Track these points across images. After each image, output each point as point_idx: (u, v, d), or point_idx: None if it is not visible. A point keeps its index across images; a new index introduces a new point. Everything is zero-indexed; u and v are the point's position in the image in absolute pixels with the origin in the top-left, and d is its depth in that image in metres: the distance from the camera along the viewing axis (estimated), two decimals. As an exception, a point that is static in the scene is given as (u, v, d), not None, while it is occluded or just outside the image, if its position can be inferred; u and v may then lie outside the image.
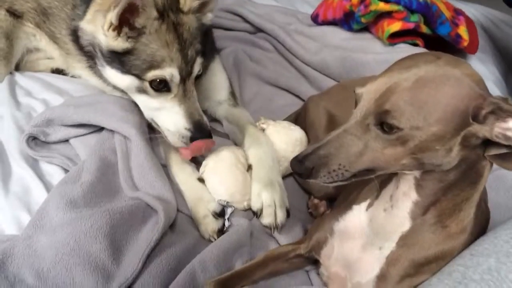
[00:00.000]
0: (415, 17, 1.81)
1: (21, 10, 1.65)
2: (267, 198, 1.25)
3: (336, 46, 1.90)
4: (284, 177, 1.39)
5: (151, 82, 1.25)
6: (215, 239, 1.19)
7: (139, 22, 1.21)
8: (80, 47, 1.44)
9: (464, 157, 0.81)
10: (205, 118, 1.31)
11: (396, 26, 1.79)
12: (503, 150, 0.79)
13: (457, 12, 1.97)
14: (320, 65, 1.87)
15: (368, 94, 0.84)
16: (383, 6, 1.79)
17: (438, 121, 0.77)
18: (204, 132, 1.29)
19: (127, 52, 1.24)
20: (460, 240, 0.91)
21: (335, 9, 1.97)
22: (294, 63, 1.95)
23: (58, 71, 1.75)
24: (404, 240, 0.92)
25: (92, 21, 1.30)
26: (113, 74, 1.30)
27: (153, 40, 1.22)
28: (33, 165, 1.34)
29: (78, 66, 1.62)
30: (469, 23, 1.96)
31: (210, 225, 1.23)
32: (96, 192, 1.19)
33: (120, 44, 1.23)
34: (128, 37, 1.22)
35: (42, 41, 1.69)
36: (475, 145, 0.81)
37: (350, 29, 1.96)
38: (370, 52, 1.82)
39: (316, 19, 2.09)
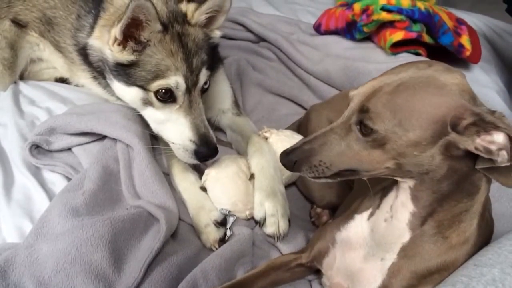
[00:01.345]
0: (418, 27, 1.82)
1: (26, 20, 1.66)
2: (270, 208, 1.25)
3: (339, 56, 1.90)
4: (287, 186, 1.39)
5: (156, 93, 1.25)
6: (217, 248, 1.19)
7: (143, 35, 1.22)
8: (89, 63, 1.46)
9: (452, 167, 0.81)
10: (211, 132, 1.31)
11: (398, 35, 1.79)
12: (490, 164, 0.77)
13: (460, 22, 1.97)
14: (322, 74, 1.87)
15: (357, 96, 0.86)
16: (385, 16, 1.79)
17: (413, 127, 0.77)
18: (210, 146, 1.28)
19: (132, 64, 1.25)
20: (462, 251, 0.90)
21: (337, 19, 1.98)
22: (296, 72, 1.96)
23: (61, 80, 1.76)
24: (405, 251, 0.92)
25: (99, 37, 1.32)
26: (119, 88, 1.31)
27: (157, 51, 1.23)
28: (36, 173, 1.34)
29: (82, 75, 1.63)
30: (472, 32, 1.96)
31: (211, 234, 1.22)
32: (98, 201, 1.20)
33: (125, 57, 1.24)
34: (134, 50, 1.24)
35: (46, 51, 1.71)
36: (461, 156, 0.79)
37: (352, 38, 1.97)
38: (373, 62, 1.82)
39: (318, 29, 2.10)
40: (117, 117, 1.38)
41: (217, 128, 1.60)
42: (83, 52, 1.47)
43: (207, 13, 1.31)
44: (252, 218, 1.29)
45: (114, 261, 1.06)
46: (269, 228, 1.24)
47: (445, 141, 0.78)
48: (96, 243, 1.06)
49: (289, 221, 1.26)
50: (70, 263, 1.03)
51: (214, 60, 1.41)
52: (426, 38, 1.83)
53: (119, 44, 1.24)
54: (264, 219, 1.24)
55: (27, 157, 1.34)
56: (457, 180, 0.83)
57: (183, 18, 1.30)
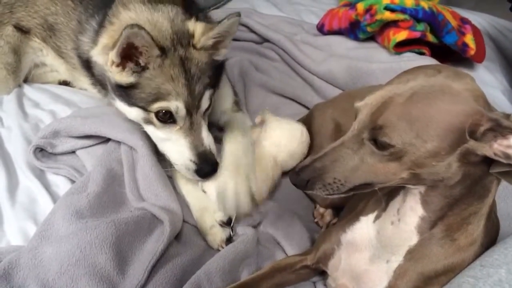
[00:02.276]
0: (421, 26, 1.81)
1: (28, 26, 1.67)
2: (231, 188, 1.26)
3: (342, 56, 1.90)
4: (289, 185, 1.37)
5: (157, 114, 1.24)
6: (223, 248, 1.19)
7: (141, 59, 1.20)
8: (92, 74, 1.46)
9: (467, 172, 0.79)
10: (210, 148, 1.29)
11: (402, 35, 1.79)
12: (506, 168, 0.76)
13: (464, 21, 1.96)
14: (326, 74, 1.86)
15: (365, 107, 0.83)
16: (389, 15, 1.79)
17: (431, 137, 0.75)
18: (210, 164, 1.27)
19: (132, 86, 1.23)
20: (470, 252, 0.89)
21: (340, 19, 1.98)
22: (300, 72, 1.95)
23: (65, 83, 1.77)
24: (412, 254, 0.91)
25: (100, 54, 1.29)
26: (121, 106, 1.30)
27: (157, 75, 1.21)
28: (40, 176, 1.35)
29: (85, 81, 1.64)
30: (476, 32, 1.95)
31: (218, 235, 1.22)
32: (102, 203, 1.20)
33: (124, 78, 1.23)
34: (133, 72, 1.22)
35: (48, 56, 1.72)
36: (477, 162, 0.78)
37: (356, 38, 1.96)
38: (376, 61, 1.81)
39: (321, 29, 2.09)
40: (120, 120, 1.38)
41: (220, 128, 1.59)
42: (86, 64, 1.46)
43: (214, 38, 1.28)
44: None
45: (118, 263, 1.06)
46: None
47: (463, 148, 0.76)
48: (100, 245, 1.06)
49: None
50: (74, 265, 1.03)
51: (219, 77, 1.39)
52: (430, 38, 1.82)
53: (117, 66, 1.22)
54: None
55: (31, 160, 1.34)
56: (469, 184, 0.81)
57: (188, 40, 1.25)
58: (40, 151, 1.36)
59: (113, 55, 1.19)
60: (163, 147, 1.31)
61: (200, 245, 1.21)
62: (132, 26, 1.11)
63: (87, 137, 1.37)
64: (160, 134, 1.28)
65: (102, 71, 1.34)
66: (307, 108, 1.81)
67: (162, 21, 1.26)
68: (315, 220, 1.38)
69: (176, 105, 1.22)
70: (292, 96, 1.86)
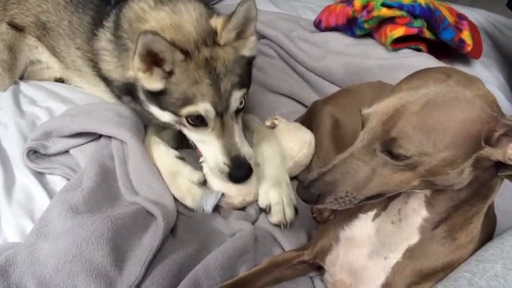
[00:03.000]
0: (418, 22, 1.81)
1: (22, 24, 1.67)
2: (274, 196, 1.25)
3: (339, 52, 1.90)
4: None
5: (187, 118, 1.22)
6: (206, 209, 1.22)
7: (166, 65, 1.19)
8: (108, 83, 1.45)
9: (476, 177, 0.79)
10: (244, 153, 1.25)
11: (399, 31, 1.79)
12: None
13: (460, 17, 1.96)
14: (323, 71, 1.86)
15: (375, 116, 0.80)
16: (386, 12, 1.79)
17: (448, 146, 0.74)
18: (243, 168, 1.23)
19: (161, 92, 1.22)
20: (468, 249, 0.90)
21: (337, 15, 1.97)
22: (297, 69, 1.95)
23: (61, 80, 1.77)
24: (411, 252, 0.91)
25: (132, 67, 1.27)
26: (155, 111, 1.29)
27: (182, 80, 1.19)
28: (36, 173, 1.34)
29: (78, 80, 1.64)
30: (473, 28, 1.96)
31: (197, 194, 1.23)
32: (97, 198, 1.20)
33: (153, 85, 1.21)
34: (161, 78, 1.20)
35: (44, 54, 1.72)
36: (489, 166, 0.78)
37: (353, 35, 1.96)
38: (373, 58, 1.81)
39: (319, 26, 2.09)
40: (109, 115, 1.37)
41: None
42: (120, 87, 1.43)
43: (235, 29, 1.23)
44: (246, 206, 1.30)
45: (115, 259, 1.06)
46: (275, 217, 1.24)
47: (478, 155, 0.75)
48: (96, 241, 1.06)
49: (296, 210, 1.26)
50: (71, 262, 1.03)
51: (250, 76, 1.35)
52: (427, 34, 1.82)
53: (144, 72, 1.20)
54: (270, 208, 1.24)
55: (26, 163, 1.34)
56: (476, 187, 0.81)
57: (213, 39, 1.22)
58: (34, 153, 1.35)
59: (136, 62, 1.18)
60: (200, 148, 1.29)
61: (196, 240, 1.21)
62: (145, 33, 1.09)
63: (79, 136, 1.36)
64: (194, 136, 1.27)
65: (125, 83, 1.33)
66: (304, 105, 1.81)
67: (184, 22, 1.24)
68: (313, 215, 1.38)
69: (204, 107, 1.19)
70: (289, 93, 1.85)
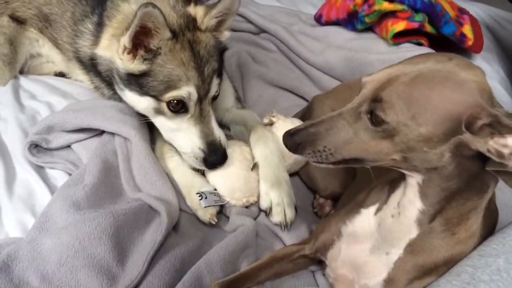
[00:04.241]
0: (420, 17, 1.80)
1: (24, 17, 1.66)
2: (275, 197, 1.25)
3: (340, 47, 1.89)
4: (289, 175, 1.38)
5: (169, 103, 1.24)
6: (216, 222, 1.23)
7: (153, 43, 1.20)
8: (98, 73, 1.45)
9: (462, 166, 0.78)
10: (221, 137, 1.29)
11: (400, 25, 1.78)
12: (500, 167, 0.74)
13: (462, 11, 1.96)
14: (324, 65, 1.86)
15: (370, 83, 0.83)
16: (387, 6, 1.78)
17: (426, 122, 0.74)
18: (218, 153, 1.27)
19: (144, 74, 1.22)
20: (469, 244, 0.90)
21: (338, 9, 1.96)
22: (298, 63, 1.94)
23: (61, 75, 1.76)
24: (412, 247, 0.91)
25: (108, 47, 1.30)
26: (131, 97, 1.29)
27: (168, 60, 1.21)
28: (37, 167, 1.34)
29: (80, 73, 1.63)
30: (474, 22, 1.95)
31: (208, 209, 1.24)
32: (100, 194, 1.19)
33: (136, 66, 1.22)
34: (144, 59, 1.21)
35: (44, 46, 1.71)
36: (471, 156, 0.77)
37: (354, 29, 1.95)
38: (374, 52, 1.81)
39: (319, 20, 2.08)
40: (113, 112, 1.37)
41: (222, 125, 1.58)
42: (87, 62, 1.45)
43: (217, 17, 1.29)
44: (249, 206, 1.31)
45: (117, 254, 1.06)
46: (276, 217, 1.25)
47: (457, 139, 0.75)
48: (99, 236, 1.06)
49: (295, 209, 1.27)
50: (73, 257, 1.03)
51: (222, 67, 1.39)
52: (428, 28, 1.81)
53: (128, 53, 1.21)
54: (270, 208, 1.25)
55: (27, 156, 1.34)
56: (467, 178, 0.81)
57: (193, 24, 1.27)
58: (36, 147, 1.35)
59: (125, 40, 1.19)
60: (172, 137, 1.31)
61: (198, 236, 1.21)
62: (146, 4, 1.11)
63: (81, 131, 1.36)
64: (170, 124, 1.28)
65: (108, 66, 1.33)
66: (305, 99, 1.81)
67: (164, 8, 1.25)
68: (315, 210, 1.39)
69: (188, 91, 1.22)
70: (290, 87, 1.85)
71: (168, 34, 1.19)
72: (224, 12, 1.30)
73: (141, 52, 1.21)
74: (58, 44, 1.66)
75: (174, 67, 1.21)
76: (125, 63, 1.23)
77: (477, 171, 0.79)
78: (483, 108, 0.73)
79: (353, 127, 0.82)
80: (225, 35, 1.36)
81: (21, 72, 1.75)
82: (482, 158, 0.77)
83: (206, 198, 1.25)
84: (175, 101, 1.23)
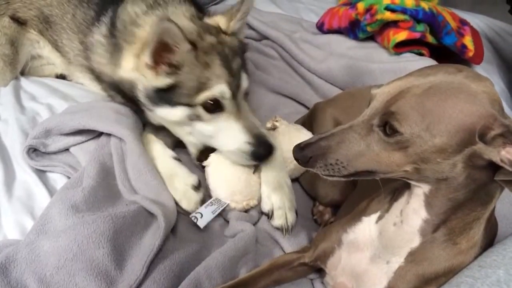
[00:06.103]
0: (421, 27, 1.81)
1: (24, 18, 1.66)
2: (277, 201, 1.25)
3: (342, 55, 1.90)
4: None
5: (203, 105, 1.23)
6: (199, 211, 1.22)
7: (175, 59, 1.19)
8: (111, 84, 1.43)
9: (471, 176, 0.79)
10: (265, 131, 1.29)
11: (402, 35, 1.79)
12: (510, 177, 0.75)
13: (463, 22, 1.97)
14: (325, 73, 1.86)
15: (381, 95, 0.83)
16: (389, 15, 1.79)
17: (441, 133, 0.75)
18: (266, 145, 1.26)
19: (172, 87, 1.22)
20: (470, 254, 0.89)
21: (340, 18, 1.97)
22: (299, 71, 1.95)
23: (62, 77, 1.76)
24: (413, 256, 0.91)
25: (132, 69, 1.27)
26: (163, 112, 1.27)
27: (194, 68, 1.20)
28: (37, 169, 1.34)
29: (80, 76, 1.63)
30: (475, 33, 1.96)
31: (192, 198, 1.24)
32: (98, 197, 1.19)
33: (162, 81, 1.21)
34: (168, 74, 1.20)
35: (45, 48, 1.71)
36: (482, 166, 0.77)
37: (355, 37, 1.96)
38: (376, 61, 1.81)
39: (321, 28, 2.09)
40: (108, 112, 1.37)
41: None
42: (107, 81, 1.42)
43: (241, 19, 1.34)
44: (249, 210, 1.30)
45: (116, 258, 1.06)
46: (277, 221, 1.24)
47: (470, 150, 0.76)
48: (97, 239, 1.05)
49: (296, 213, 1.27)
50: (72, 260, 1.02)
51: (246, 65, 1.39)
52: (430, 38, 1.82)
53: (151, 69, 1.21)
54: (272, 212, 1.25)
55: (26, 160, 1.33)
56: (474, 189, 0.81)
57: (217, 30, 1.29)
58: (34, 151, 1.35)
59: (146, 57, 1.18)
60: (212, 141, 1.29)
61: (197, 240, 1.21)
62: (161, 20, 1.10)
63: (79, 133, 1.35)
64: (209, 128, 1.26)
65: (133, 87, 1.30)
66: (306, 106, 1.81)
67: (180, 21, 1.25)
68: (314, 217, 1.38)
69: (220, 89, 1.21)
70: (291, 94, 1.85)
71: (187, 46, 1.18)
72: (246, 12, 1.33)
73: (163, 67, 1.20)
74: (58, 47, 1.66)
75: (201, 70, 1.20)
76: (150, 80, 1.22)
77: (485, 181, 0.80)
78: (495, 118, 0.74)
79: (365, 140, 0.82)
80: (244, 33, 1.39)
81: (22, 73, 1.75)
82: (491, 169, 0.78)
83: (202, 217, 1.23)
84: (211, 102, 1.22)
